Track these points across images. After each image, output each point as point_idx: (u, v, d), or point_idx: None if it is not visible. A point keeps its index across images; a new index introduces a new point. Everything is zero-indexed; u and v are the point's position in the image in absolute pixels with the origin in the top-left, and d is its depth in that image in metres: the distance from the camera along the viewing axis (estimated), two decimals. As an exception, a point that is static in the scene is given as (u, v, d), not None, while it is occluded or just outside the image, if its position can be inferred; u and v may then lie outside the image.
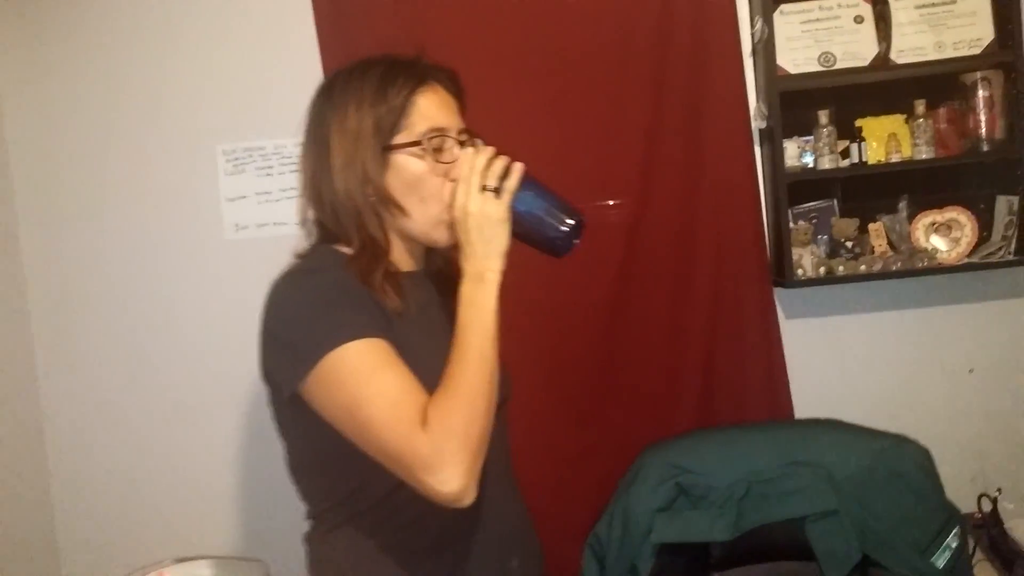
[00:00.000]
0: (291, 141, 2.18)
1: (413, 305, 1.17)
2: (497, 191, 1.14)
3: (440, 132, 1.19)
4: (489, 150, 1.17)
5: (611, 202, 2.18)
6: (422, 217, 1.20)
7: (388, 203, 1.18)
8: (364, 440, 1.07)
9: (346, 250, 1.19)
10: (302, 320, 1.10)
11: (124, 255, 2.29)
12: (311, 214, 1.24)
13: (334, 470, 1.17)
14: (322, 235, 1.23)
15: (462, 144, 1.21)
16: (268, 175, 2.26)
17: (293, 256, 1.22)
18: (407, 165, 1.18)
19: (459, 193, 1.15)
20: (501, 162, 1.16)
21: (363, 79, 1.19)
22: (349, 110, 1.18)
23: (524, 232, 1.17)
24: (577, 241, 1.18)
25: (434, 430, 1.02)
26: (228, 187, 2.27)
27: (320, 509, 1.22)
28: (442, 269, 1.31)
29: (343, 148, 1.17)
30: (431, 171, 1.18)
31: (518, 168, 1.15)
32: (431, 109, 1.19)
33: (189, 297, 2.29)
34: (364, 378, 1.05)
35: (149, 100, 2.26)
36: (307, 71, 2.04)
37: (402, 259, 1.24)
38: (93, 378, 2.30)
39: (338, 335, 1.06)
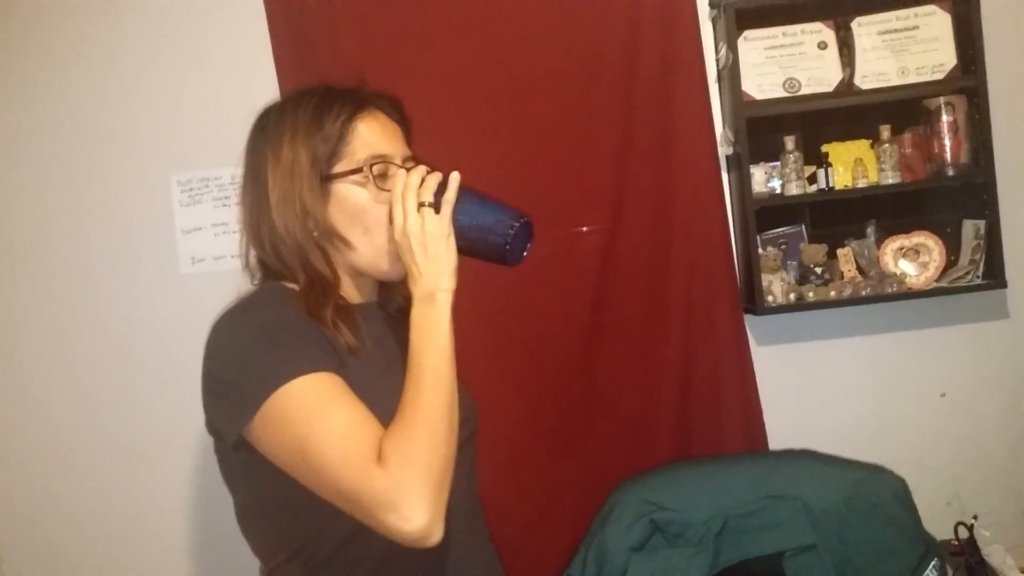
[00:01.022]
0: (247, 172, 2.12)
1: (368, 340, 1.11)
2: (435, 206, 1.08)
3: (382, 159, 1.14)
4: (421, 168, 1.11)
5: (583, 228, 2.15)
6: (368, 248, 1.14)
7: (331, 236, 1.13)
8: (317, 482, 0.99)
9: (292, 286, 1.14)
10: (243, 360, 1.04)
11: (75, 290, 2.20)
12: (253, 256, 1.18)
13: (286, 520, 1.10)
14: (265, 275, 1.18)
15: (407, 171, 1.15)
16: (225, 205, 2.19)
17: (237, 297, 1.16)
18: (348, 195, 1.13)
19: (396, 215, 1.09)
20: (435, 177, 1.10)
21: (297, 109, 1.15)
22: (284, 142, 1.13)
23: (470, 245, 1.10)
24: (529, 245, 1.13)
25: (392, 463, 0.95)
26: (183, 218, 2.19)
27: (274, 563, 1.14)
28: (403, 306, 1.26)
29: (279, 182, 1.12)
30: (375, 199, 1.13)
31: (454, 179, 1.09)
32: (372, 135, 1.15)
33: (143, 334, 2.21)
34: (312, 415, 0.99)
35: (101, 128, 2.19)
36: (264, 98, 1.94)
37: (351, 293, 1.19)
38: (41, 417, 2.21)
39: (282, 372, 1.00)
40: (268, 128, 1.16)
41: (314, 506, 1.02)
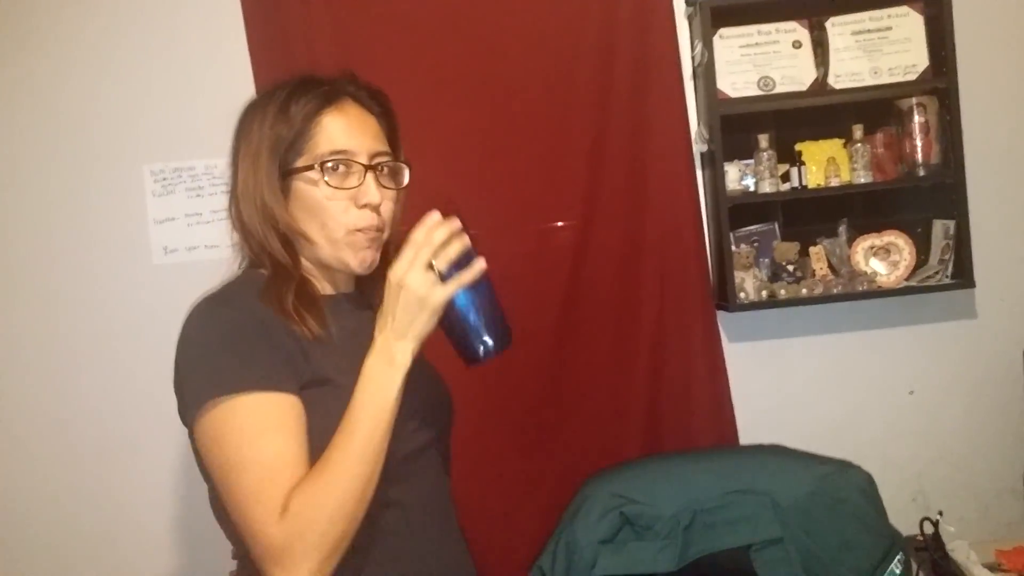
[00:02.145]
0: (222, 160, 2.09)
1: (338, 330, 1.11)
2: (444, 276, 1.01)
3: (341, 155, 1.12)
4: (452, 224, 1.02)
5: (557, 224, 2.15)
6: (327, 244, 1.13)
7: (289, 230, 1.13)
8: (226, 502, 1.01)
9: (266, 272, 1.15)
10: (203, 359, 1.04)
11: (46, 281, 2.18)
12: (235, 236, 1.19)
13: None
14: (245, 255, 1.20)
15: (371, 168, 1.13)
16: (198, 196, 2.17)
17: (221, 282, 1.17)
18: (305, 191, 1.12)
19: (403, 258, 1.02)
20: (461, 245, 1.02)
21: (270, 99, 1.14)
22: (252, 132, 1.13)
23: (447, 327, 1.05)
24: (494, 357, 1.08)
25: (292, 521, 0.95)
26: (156, 209, 2.18)
27: (243, 551, 1.13)
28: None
29: (244, 174, 1.13)
30: (330, 197, 1.11)
31: (479, 266, 1.02)
32: (336, 130, 1.12)
33: (116, 325, 2.18)
34: (244, 440, 0.99)
35: (73, 118, 2.17)
36: (238, 88, 1.96)
37: (324, 284, 1.19)
38: (12, 412, 2.18)
39: (233, 382, 1.00)
40: (244, 117, 1.16)
41: None
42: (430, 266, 1.01)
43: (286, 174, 1.12)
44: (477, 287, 1.03)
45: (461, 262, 1.02)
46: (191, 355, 1.05)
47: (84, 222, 2.18)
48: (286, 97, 1.13)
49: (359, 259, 1.14)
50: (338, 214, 1.12)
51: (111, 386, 2.18)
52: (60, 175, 2.18)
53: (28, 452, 2.19)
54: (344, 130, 1.13)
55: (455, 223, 1.03)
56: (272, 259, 1.13)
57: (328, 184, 1.11)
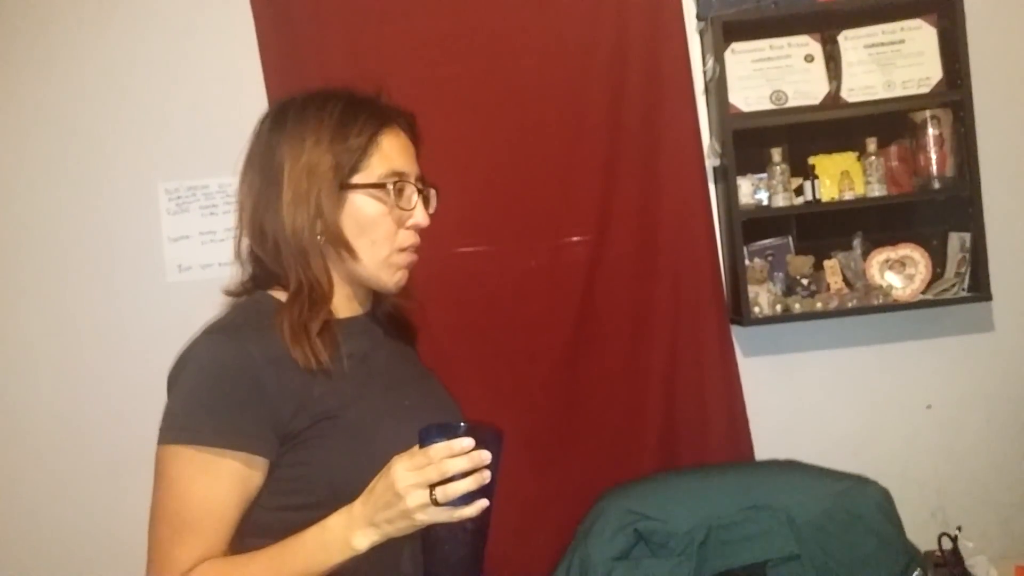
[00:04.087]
0: (236, 180, 2.11)
1: (347, 359, 1.11)
2: (441, 504, 0.96)
3: (401, 176, 1.15)
4: (477, 458, 0.97)
5: (571, 239, 2.16)
6: (371, 260, 1.15)
7: (338, 243, 1.12)
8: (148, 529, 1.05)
9: (280, 295, 1.14)
10: (178, 399, 1.06)
11: (59, 298, 2.20)
12: (245, 247, 1.18)
13: (264, 534, 1.08)
14: (256, 271, 1.17)
15: (421, 191, 1.17)
16: (212, 214, 2.19)
17: (224, 292, 1.17)
18: (364, 206, 1.13)
19: (413, 463, 0.97)
20: (472, 483, 0.97)
21: (322, 113, 1.14)
22: (306, 144, 1.12)
23: (423, 534, 1.01)
24: None
25: None
26: (171, 227, 2.19)
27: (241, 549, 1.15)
28: (391, 312, 1.26)
29: (296, 183, 1.11)
30: (387, 215, 1.14)
31: (475, 507, 0.97)
32: (393, 152, 1.15)
33: (129, 341, 2.20)
34: (177, 491, 1.02)
35: (89, 136, 2.19)
36: (253, 108, 1.94)
37: (344, 304, 1.18)
38: (24, 424, 2.19)
39: (189, 434, 1.02)
40: (287, 126, 1.14)
41: (279, 517, 1.05)
42: (430, 489, 0.96)
43: (344, 188, 1.13)
44: (465, 525, 0.99)
45: (462, 501, 0.97)
46: (175, 391, 1.07)
47: (99, 239, 2.20)
48: (343, 112, 1.14)
49: (397, 279, 1.17)
50: (390, 233, 1.14)
51: (124, 402, 2.18)
52: (75, 192, 2.20)
53: (42, 465, 2.20)
54: (400, 152, 1.17)
55: (482, 457, 0.97)
56: (308, 274, 1.12)
57: (396, 204, 1.14)
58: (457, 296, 2.12)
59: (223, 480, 1.02)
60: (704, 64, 2.17)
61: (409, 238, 1.17)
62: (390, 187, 1.13)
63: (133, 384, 2.18)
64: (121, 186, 2.19)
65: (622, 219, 2.14)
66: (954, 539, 1.97)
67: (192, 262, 2.19)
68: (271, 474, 1.06)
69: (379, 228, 1.14)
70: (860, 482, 1.84)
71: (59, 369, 2.20)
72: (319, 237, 1.12)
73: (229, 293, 1.19)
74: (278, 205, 1.12)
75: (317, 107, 1.15)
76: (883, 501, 1.80)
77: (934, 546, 1.98)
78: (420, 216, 1.17)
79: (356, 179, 1.13)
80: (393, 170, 1.14)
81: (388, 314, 1.26)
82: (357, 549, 1.00)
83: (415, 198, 1.16)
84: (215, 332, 1.09)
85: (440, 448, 0.97)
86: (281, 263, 1.13)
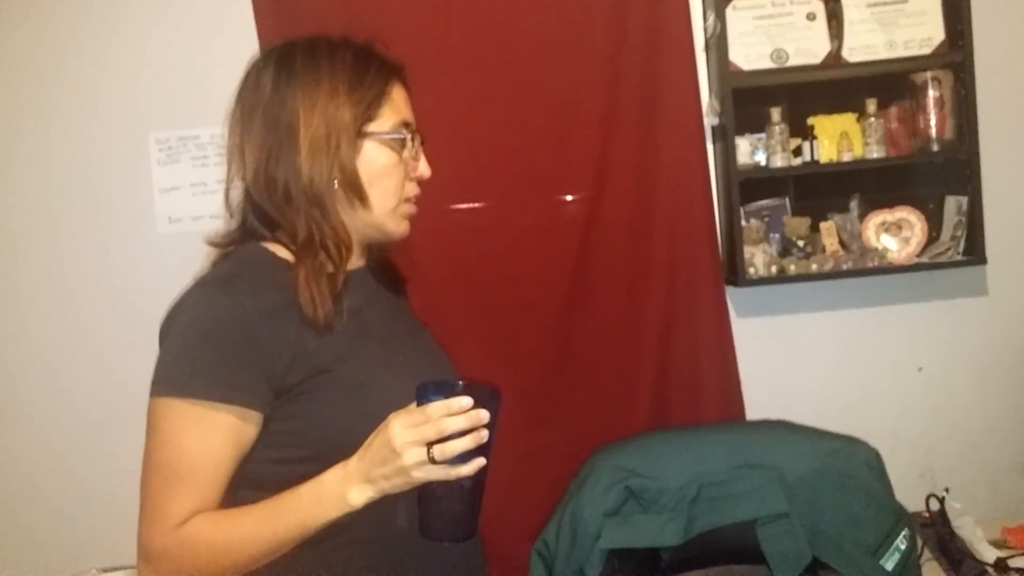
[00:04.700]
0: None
1: (344, 312, 1.09)
2: (438, 461, 0.95)
3: (410, 126, 1.17)
4: (474, 417, 0.96)
5: (567, 197, 2.14)
6: (381, 209, 1.15)
7: (354, 191, 1.11)
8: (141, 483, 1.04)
9: (275, 248, 1.12)
10: (171, 352, 1.05)
11: (48, 249, 2.18)
12: (236, 198, 1.16)
13: (229, 496, 1.08)
14: (251, 223, 1.15)
15: (423, 142, 1.19)
16: (204, 165, 2.16)
17: (207, 242, 1.16)
18: (378, 156, 1.13)
19: (407, 427, 0.96)
20: (469, 441, 0.96)
21: (334, 60, 1.12)
22: (320, 92, 1.10)
23: (418, 491, 1.01)
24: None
25: (180, 542, 0.99)
26: (161, 178, 2.17)
27: None
28: (380, 262, 1.26)
29: (313, 130, 1.09)
30: (398, 164, 1.15)
31: (473, 465, 0.97)
32: (402, 103, 1.17)
33: (119, 294, 2.18)
34: (170, 443, 1.01)
35: (77, 86, 2.16)
36: (244, 56, 1.92)
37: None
38: (12, 380, 2.18)
39: (182, 387, 1.01)
40: (296, 71, 1.11)
41: (279, 471, 1.05)
42: (427, 447, 0.95)
43: (361, 136, 1.12)
44: (462, 482, 0.98)
45: (461, 459, 0.96)
46: (168, 344, 1.06)
47: (89, 190, 2.18)
48: (356, 62, 1.13)
49: (403, 228, 1.19)
50: (399, 183, 1.16)
51: (115, 353, 2.18)
52: (64, 143, 2.17)
53: (33, 418, 2.20)
54: (406, 103, 1.18)
55: (480, 417, 0.96)
56: (317, 227, 1.10)
57: (410, 153, 1.16)
58: (452, 252, 2.10)
59: (216, 434, 1.01)
60: (704, 20, 2.13)
61: (413, 188, 1.19)
62: (407, 136, 1.14)
63: (124, 335, 2.18)
64: (111, 136, 2.17)
65: (619, 177, 2.12)
66: (941, 500, 1.99)
67: (183, 213, 2.17)
68: (265, 427, 1.05)
69: (391, 177, 1.15)
70: (851, 442, 1.84)
71: (49, 320, 2.19)
72: (335, 186, 1.10)
73: (214, 244, 1.17)
74: (291, 154, 1.09)
75: (327, 55, 1.13)
76: (874, 461, 1.80)
77: (921, 507, 2.00)
78: (424, 167, 1.19)
79: (370, 128, 1.13)
80: (403, 120, 1.15)
81: (378, 264, 1.25)
82: (353, 505, 0.99)
83: (419, 149, 1.19)
84: (208, 284, 1.08)
85: (438, 406, 0.96)
86: (289, 214, 1.10)
